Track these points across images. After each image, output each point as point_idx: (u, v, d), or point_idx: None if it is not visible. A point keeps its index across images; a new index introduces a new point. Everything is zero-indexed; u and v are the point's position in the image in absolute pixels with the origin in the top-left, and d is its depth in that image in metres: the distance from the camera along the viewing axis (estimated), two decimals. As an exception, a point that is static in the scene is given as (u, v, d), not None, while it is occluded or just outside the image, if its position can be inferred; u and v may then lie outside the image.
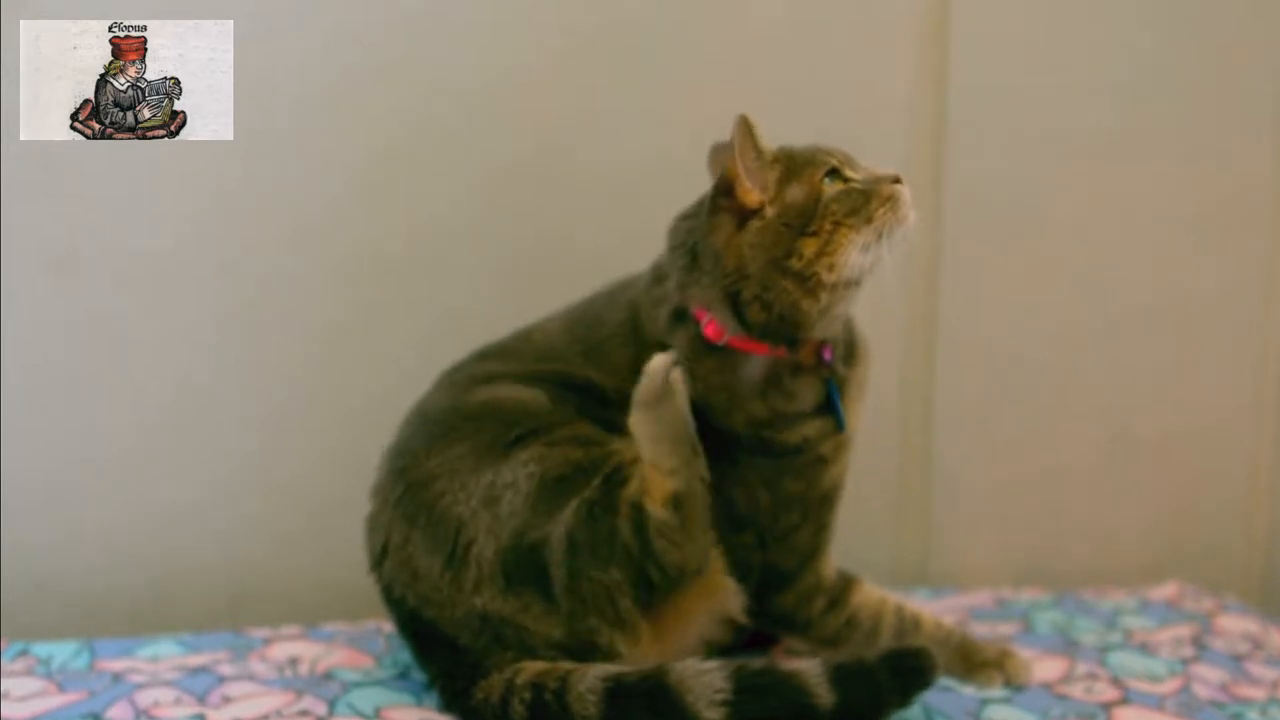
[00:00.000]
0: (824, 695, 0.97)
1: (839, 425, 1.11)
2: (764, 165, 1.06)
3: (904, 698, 1.00)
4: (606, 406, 1.09)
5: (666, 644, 1.05)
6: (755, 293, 1.05)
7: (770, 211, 1.05)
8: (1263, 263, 1.57)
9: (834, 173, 1.06)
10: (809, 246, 1.04)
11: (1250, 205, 1.56)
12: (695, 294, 1.08)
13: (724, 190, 1.06)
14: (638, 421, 1.05)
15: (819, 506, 1.13)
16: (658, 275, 1.12)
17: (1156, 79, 1.52)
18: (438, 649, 1.07)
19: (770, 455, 1.09)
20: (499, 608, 1.03)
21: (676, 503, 1.02)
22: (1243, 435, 1.61)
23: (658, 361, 1.05)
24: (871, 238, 1.04)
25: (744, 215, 1.05)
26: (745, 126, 1.04)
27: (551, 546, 1.02)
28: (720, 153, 1.11)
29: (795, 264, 1.04)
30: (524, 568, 1.02)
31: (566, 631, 1.03)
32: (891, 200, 1.05)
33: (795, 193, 1.05)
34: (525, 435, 1.06)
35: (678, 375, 1.04)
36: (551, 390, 1.10)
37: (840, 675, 0.98)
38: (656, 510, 1.02)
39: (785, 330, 1.06)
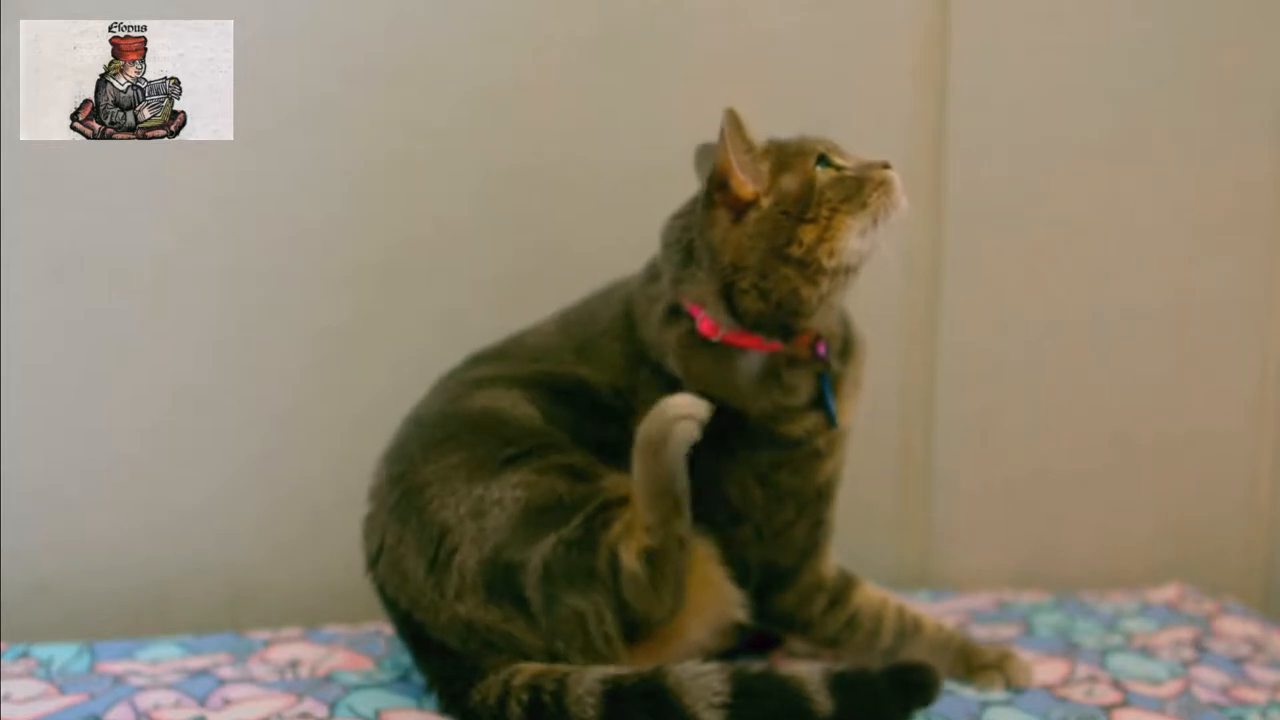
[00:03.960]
0: (823, 702, 0.97)
1: (830, 421, 1.10)
2: (755, 157, 1.06)
3: (904, 712, 1.00)
4: (598, 410, 1.09)
5: (663, 654, 1.05)
6: (753, 282, 1.05)
7: (766, 202, 1.05)
8: (1264, 267, 1.57)
9: (823, 159, 1.06)
10: (809, 233, 1.04)
11: (1252, 209, 1.56)
12: (689, 290, 1.08)
13: (717, 184, 1.05)
14: (635, 459, 1.04)
15: (815, 502, 1.13)
16: (652, 274, 1.13)
17: (1157, 82, 1.52)
18: (433, 651, 1.07)
19: (775, 447, 1.09)
20: (482, 616, 1.03)
21: (648, 557, 1.02)
22: (1244, 439, 1.60)
23: (667, 407, 1.02)
24: (868, 223, 1.05)
25: (739, 208, 1.05)
26: (734, 119, 1.04)
27: (527, 572, 1.02)
28: (705, 153, 1.11)
29: (795, 251, 1.04)
30: (502, 583, 1.02)
31: (548, 645, 1.03)
32: (884, 185, 1.06)
33: (789, 182, 1.05)
34: (519, 456, 1.06)
35: (685, 428, 1.02)
36: (544, 403, 1.10)
37: (840, 683, 0.97)
38: (629, 560, 1.02)
39: (783, 319, 1.06)
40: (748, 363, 1.08)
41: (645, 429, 1.03)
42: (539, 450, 1.07)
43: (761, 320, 1.06)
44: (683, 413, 1.02)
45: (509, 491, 1.04)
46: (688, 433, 1.02)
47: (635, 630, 1.04)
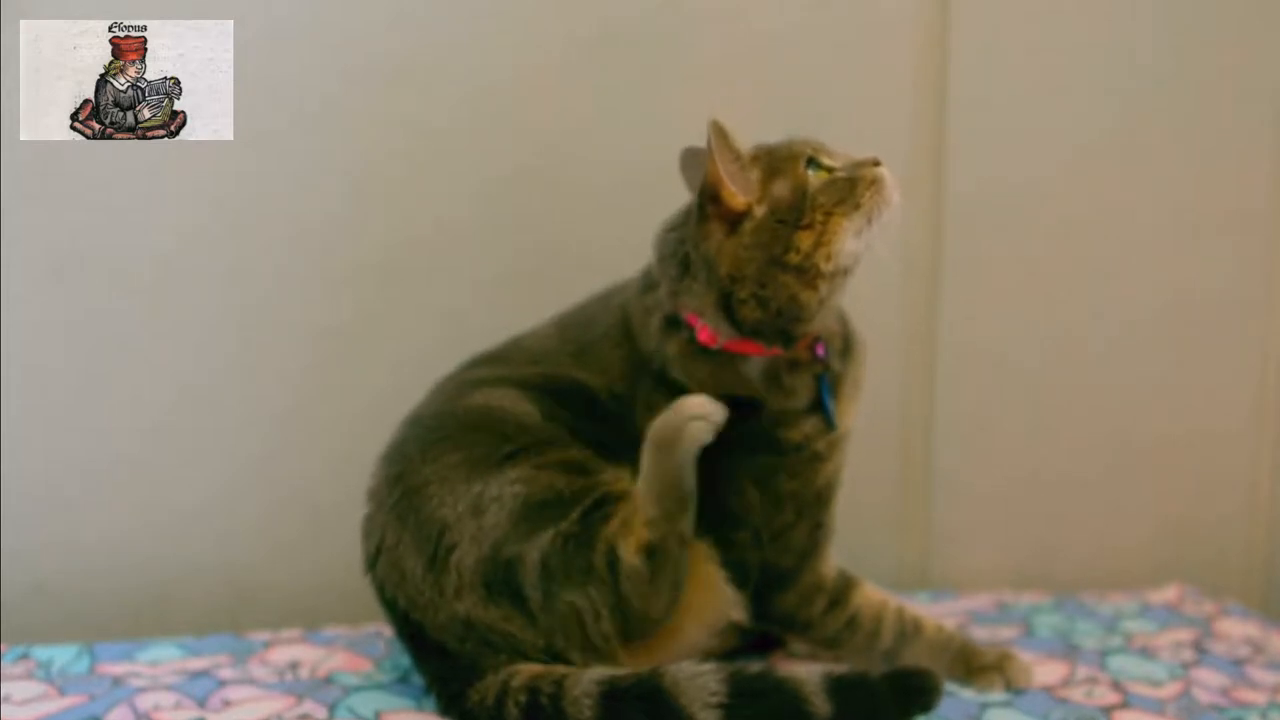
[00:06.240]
0: (820, 704, 0.96)
1: (828, 423, 1.10)
2: (744, 166, 1.06)
3: (903, 717, 0.99)
4: (595, 411, 1.09)
5: (660, 654, 1.04)
6: (752, 291, 1.05)
7: (759, 211, 1.05)
8: (1264, 267, 1.57)
9: (812, 162, 1.06)
10: (805, 239, 1.04)
11: (1252, 210, 1.56)
12: (687, 301, 1.08)
13: (709, 197, 1.05)
14: (645, 455, 1.05)
15: (814, 504, 1.12)
16: (648, 283, 1.12)
17: (1157, 82, 1.52)
18: (432, 652, 1.07)
19: (773, 451, 1.09)
20: (481, 615, 1.03)
21: (649, 552, 1.02)
22: (1244, 439, 1.60)
23: (684, 406, 1.04)
24: (862, 223, 1.05)
25: (733, 219, 1.05)
26: (719, 131, 1.03)
27: (526, 567, 1.02)
28: (691, 157, 1.11)
29: (793, 258, 1.04)
30: (501, 581, 1.02)
31: (547, 644, 1.03)
32: (876, 183, 1.06)
33: (781, 188, 1.05)
34: (517, 452, 1.06)
35: (698, 428, 1.03)
36: (543, 402, 1.10)
37: (839, 686, 0.97)
38: (628, 556, 1.02)
39: (783, 326, 1.06)
40: (749, 368, 1.08)
41: (659, 426, 1.04)
42: (537, 446, 1.07)
43: (761, 327, 1.06)
44: (698, 413, 1.04)
45: (508, 487, 1.04)
46: (701, 433, 1.04)
47: (633, 629, 1.04)
